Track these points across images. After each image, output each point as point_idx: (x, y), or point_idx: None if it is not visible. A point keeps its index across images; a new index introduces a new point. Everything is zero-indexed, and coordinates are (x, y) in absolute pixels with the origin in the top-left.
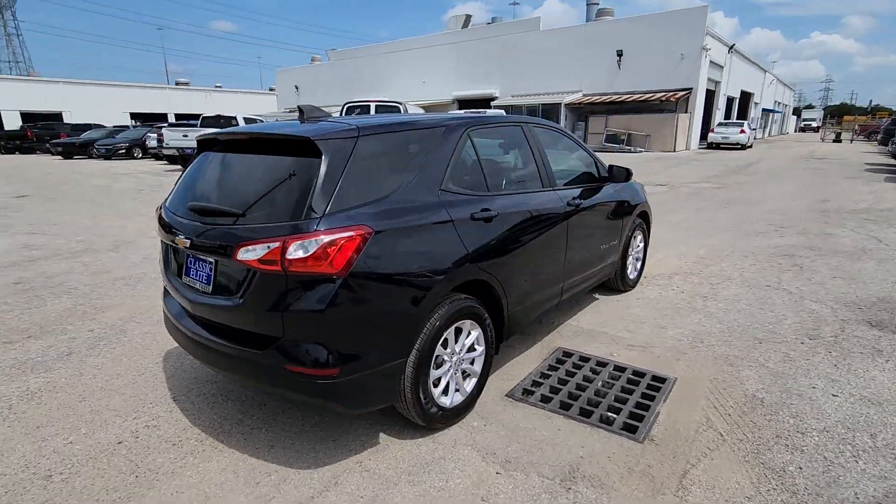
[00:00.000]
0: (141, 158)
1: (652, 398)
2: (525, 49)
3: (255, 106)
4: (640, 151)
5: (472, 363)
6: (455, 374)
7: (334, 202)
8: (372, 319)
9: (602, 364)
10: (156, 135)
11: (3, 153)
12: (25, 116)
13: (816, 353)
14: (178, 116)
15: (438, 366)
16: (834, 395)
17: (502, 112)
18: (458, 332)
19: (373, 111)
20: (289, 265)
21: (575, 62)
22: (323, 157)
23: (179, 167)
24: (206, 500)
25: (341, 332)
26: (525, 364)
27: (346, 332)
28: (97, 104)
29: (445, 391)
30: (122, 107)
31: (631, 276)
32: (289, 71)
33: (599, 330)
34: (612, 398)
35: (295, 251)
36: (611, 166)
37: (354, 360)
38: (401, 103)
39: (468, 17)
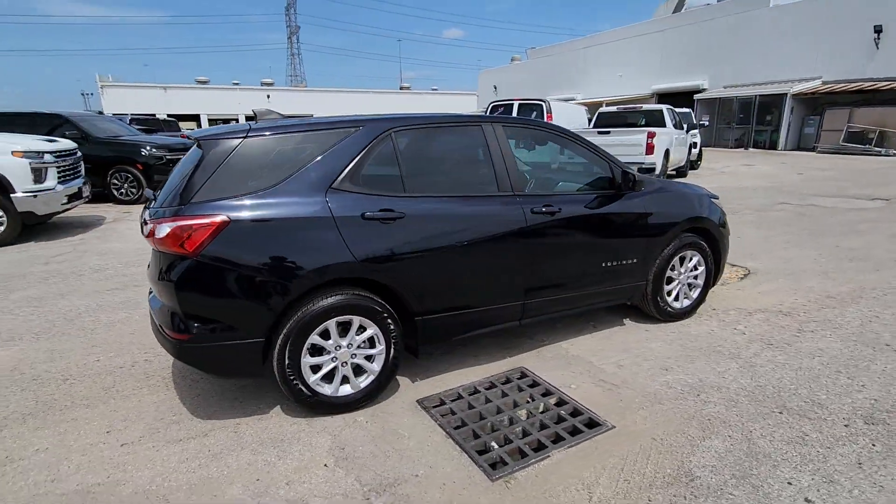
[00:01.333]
0: None
1: (561, 439)
2: (747, 31)
3: (459, 106)
4: (894, 155)
5: (369, 359)
6: (343, 366)
7: (201, 193)
8: (224, 297)
9: (548, 393)
10: None
11: None
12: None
13: (849, 444)
14: None
15: (317, 354)
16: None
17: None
18: (347, 325)
19: (515, 111)
20: (157, 244)
21: (812, 43)
22: (202, 154)
23: None
24: (124, 419)
25: (192, 303)
26: (473, 375)
27: (197, 304)
28: (337, 108)
29: (329, 380)
30: (356, 110)
31: (675, 305)
32: (490, 72)
33: (586, 358)
34: (522, 429)
35: (159, 232)
36: (624, 172)
37: (206, 331)
38: (544, 101)
39: (682, 0)
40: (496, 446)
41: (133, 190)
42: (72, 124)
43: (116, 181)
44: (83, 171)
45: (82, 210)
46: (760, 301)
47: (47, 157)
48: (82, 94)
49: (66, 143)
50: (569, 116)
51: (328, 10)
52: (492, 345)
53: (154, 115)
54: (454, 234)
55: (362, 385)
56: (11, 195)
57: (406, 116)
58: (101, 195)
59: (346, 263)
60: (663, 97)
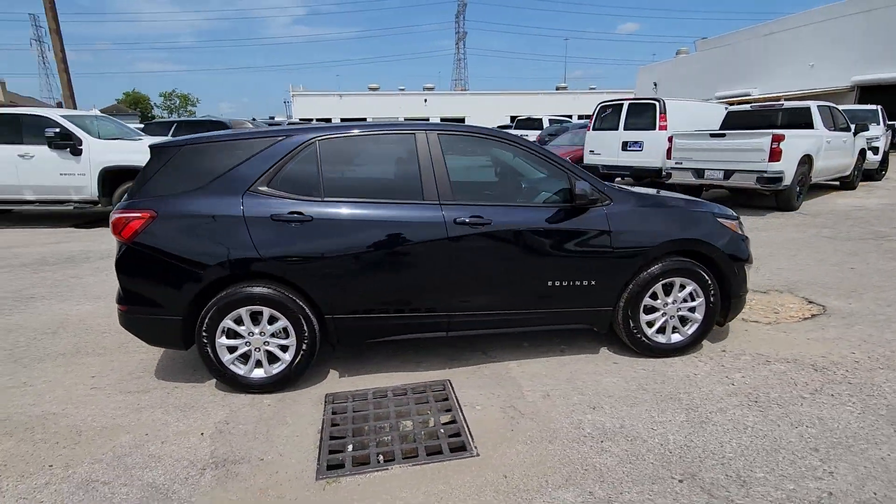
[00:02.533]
0: None
1: (415, 457)
2: None
3: None
4: None
5: (283, 349)
6: (256, 352)
7: (143, 191)
8: (150, 278)
9: (447, 410)
10: None
11: None
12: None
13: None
14: (551, 121)
15: (233, 337)
16: None
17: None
18: (258, 315)
19: (624, 112)
20: (111, 230)
21: None
22: (151, 159)
23: None
24: (111, 369)
25: (128, 281)
26: (401, 380)
27: (131, 282)
28: (489, 110)
29: (245, 361)
30: (508, 111)
31: (658, 339)
32: (650, 67)
33: (520, 381)
34: (391, 438)
35: (110, 221)
36: (578, 184)
37: (137, 305)
38: (658, 100)
39: None
40: (351, 449)
41: None
42: (225, 127)
43: None
44: None
45: None
46: (801, 349)
47: None
48: (284, 103)
49: None
50: (693, 116)
51: (495, 14)
52: (441, 354)
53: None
54: (367, 239)
55: (274, 371)
56: None
57: (336, 126)
58: None
59: (252, 259)
60: (867, 91)
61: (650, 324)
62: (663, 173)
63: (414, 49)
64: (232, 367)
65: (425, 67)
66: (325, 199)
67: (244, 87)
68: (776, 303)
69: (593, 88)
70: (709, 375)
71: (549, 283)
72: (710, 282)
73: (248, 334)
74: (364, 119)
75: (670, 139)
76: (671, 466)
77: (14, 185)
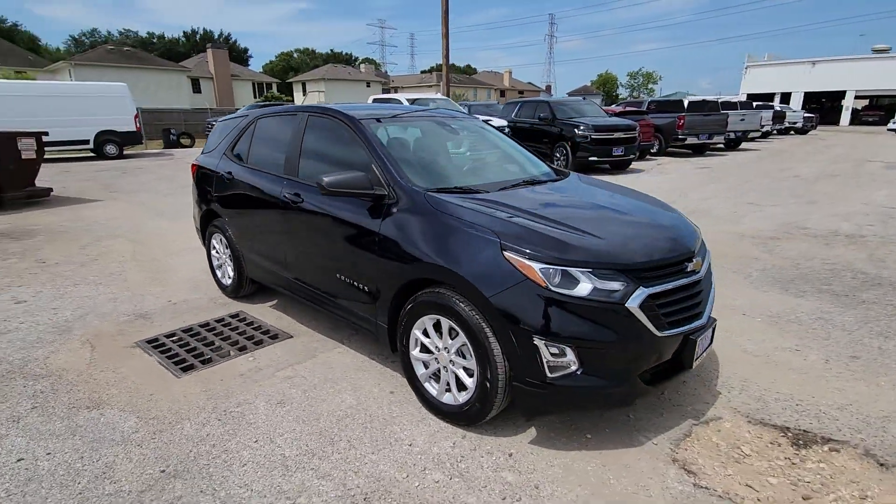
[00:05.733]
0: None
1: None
2: None
3: None
4: None
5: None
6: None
7: (204, 149)
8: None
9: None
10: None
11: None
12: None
13: None
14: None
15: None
16: None
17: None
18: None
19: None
20: None
21: None
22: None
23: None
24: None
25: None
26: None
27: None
28: None
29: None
30: None
31: (429, 390)
32: None
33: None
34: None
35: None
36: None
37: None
38: None
39: None
40: (192, 359)
41: (562, 162)
42: (547, 107)
43: (558, 154)
44: None
45: None
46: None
47: None
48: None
49: (494, 122)
50: None
51: None
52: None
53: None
54: (252, 199)
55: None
56: None
57: (269, 109)
58: None
59: (212, 198)
60: None
61: (425, 365)
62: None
63: None
64: (218, 274)
65: None
66: (244, 164)
67: (724, 60)
68: None
69: None
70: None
71: (337, 275)
72: (484, 334)
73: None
74: (843, 92)
75: None
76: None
77: None
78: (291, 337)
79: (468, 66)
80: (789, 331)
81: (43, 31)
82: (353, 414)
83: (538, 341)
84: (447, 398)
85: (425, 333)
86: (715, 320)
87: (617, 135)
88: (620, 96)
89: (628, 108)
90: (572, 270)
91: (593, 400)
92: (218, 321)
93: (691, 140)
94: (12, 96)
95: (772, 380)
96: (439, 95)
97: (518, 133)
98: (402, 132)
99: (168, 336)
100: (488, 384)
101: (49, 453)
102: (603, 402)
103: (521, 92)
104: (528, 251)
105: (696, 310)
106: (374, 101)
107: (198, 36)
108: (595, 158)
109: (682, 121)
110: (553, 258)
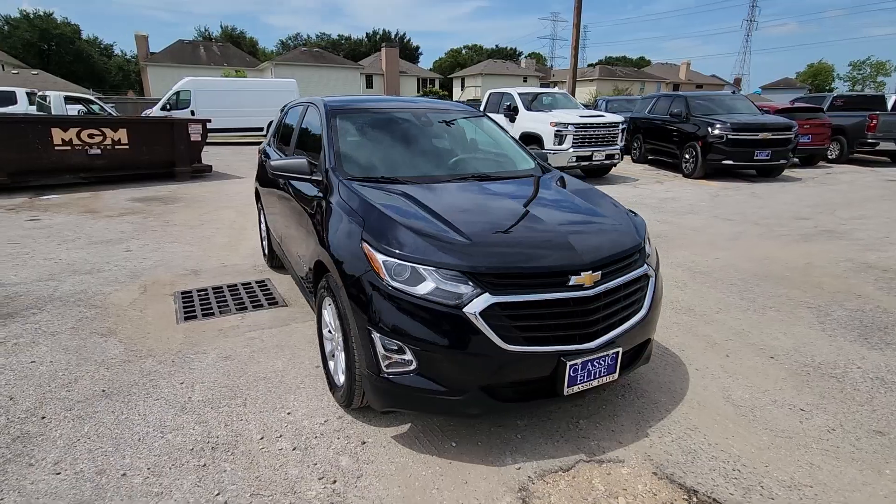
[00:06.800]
0: None
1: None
2: None
3: None
4: None
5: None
6: None
7: None
8: None
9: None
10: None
11: None
12: None
13: None
14: None
15: None
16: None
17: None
18: None
19: None
20: None
21: None
22: None
23: None
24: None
25: None
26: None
27: None
28: None
29: None
30: None
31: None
32: None
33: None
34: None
35: None
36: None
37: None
38: None
39: None
40: (199, 311)
41: (690, 164)
42: (683, 101)
43: (686, 155)
44: (617, 141)
45: (618, 171)
46: None
47: (569, 128)
48: None
49: (606, 118)
50: None
51: None
52: None
53: None
54: (268, 178)
55: None
56: (541, 150)
57: (301, 99)
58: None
59: (258, 177)
60: None
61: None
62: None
63: None
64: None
65: None
66: (271, 147)
67: None
68: None
69: None
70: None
71: (296, 252)
72: (345, 327)
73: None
74: None
75: None
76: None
77: None
78: (286, 306)
79: (641, 59)
80: (815, 386)
81: (264, 37)
82: (271, 378)
83: (374, 334)
84: (338, 379)
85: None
86: (643, 348)
87: (763, 135)
88: (836, 90)
89: (797, 105)
90: (419, 268)
91: (432, 404)
92: (244, 285)
93: (886, 145)
94: (209, 91)
95: (728, 436)
96: (557, 90)
97: (643, 131)
98: (371, 124)
99: (199, 291)
100: (350, 370)
101: (52, 362)
102: (443, 408)
103: (699, 86)
104: (375, 242)
105: (579, 330)
106: (491, 94)
107: (377, 36)
108: (730, 162)
109: (874, 121)
110: (396, 252)
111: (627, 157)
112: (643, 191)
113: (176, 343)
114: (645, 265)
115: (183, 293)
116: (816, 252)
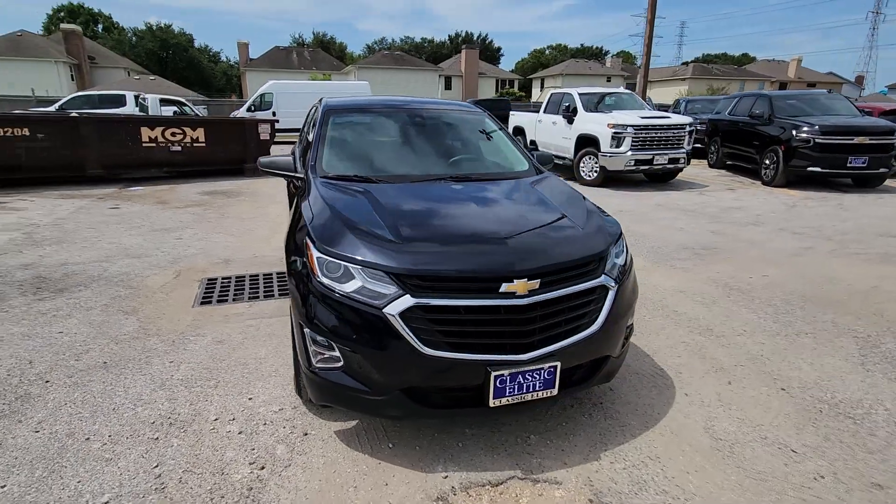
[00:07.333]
0: None
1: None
2: None
3: None
4: None
5: None
6: None
7: None
8: None
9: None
10: None
11: None
12: None
13: None
14: None
15: None
16: None
17: None
18: None
19: None
20: None
21: None
22: None
23: None
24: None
25: None
26: None
27: None
28: None
29: None
30: None
31: None
32: None
33: None
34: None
35: None
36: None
37: None
38: None
39: None
40: (216, 297)
41: (770, 171)
42: (767, 101)
43: (767, 161)
44: (682, 144)
45: (689, 177)
46: None
47: (628, 130)
48: None
49: (671, 119)
50: None
51: None
52: None
53: None
54: None
55: None
56: (598, 153)
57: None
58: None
59: None
60: None
61: None
62: None
63: None
64: None
65: None
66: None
67: None
68: None
69: None
70: None
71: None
72: (293, 319)
73: None
74: None
75: None
76: None
77: (549, 143)
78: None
79: (744, 55)
80: (822, 426)
81: (353, 41)
82: (249, 364)
83: (305, 329)
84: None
85: None
86: (599, 365)
87: (859, 140)
88: None
89: None
90: (350, 266)
91: (356, 403)
92: (266, 275)
93: None
94: (289, 93)
95: (690, 470)
96: (622, 89)
97: (721, 134)
98: (364, 123)
99: (224, 278)
100: (296, 362)
101: (76, 333)
102: (367, 407)
103: (811, 84)
104: (314, 238)
105: (511, 339)
106: (552, 95)
107: (459, 38)
108: (818, 169)
109: None
110: (328, 249)
111: (703, 163)
112: (708, 198)
113: (183, 325)
114: (603, 276)
115: (208, 280)
116: (892, 275)
